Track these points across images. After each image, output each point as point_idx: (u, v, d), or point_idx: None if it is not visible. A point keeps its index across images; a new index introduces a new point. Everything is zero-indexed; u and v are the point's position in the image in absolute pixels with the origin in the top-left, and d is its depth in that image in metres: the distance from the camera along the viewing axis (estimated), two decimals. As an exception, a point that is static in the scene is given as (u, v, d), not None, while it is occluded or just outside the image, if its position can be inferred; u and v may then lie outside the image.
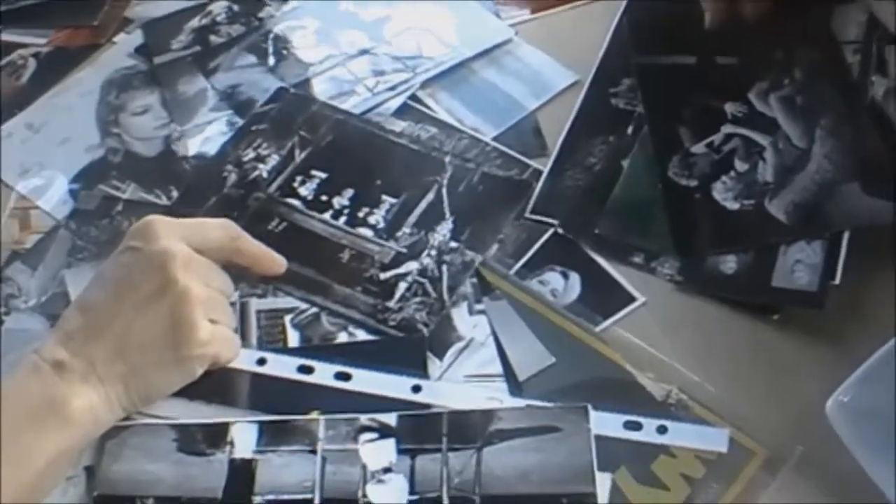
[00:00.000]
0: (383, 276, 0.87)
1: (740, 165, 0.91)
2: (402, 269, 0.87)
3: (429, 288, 0.86)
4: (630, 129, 0.95)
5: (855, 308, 0.83)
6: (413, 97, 0.99)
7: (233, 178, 0.94)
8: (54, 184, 0.96)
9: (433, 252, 0.88)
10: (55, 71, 1.05)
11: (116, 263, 0.81)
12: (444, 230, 0.90)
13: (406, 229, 0.90)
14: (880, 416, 0.73)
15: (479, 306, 0.85)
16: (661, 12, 1.01)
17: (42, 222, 0.94)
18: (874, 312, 0.82)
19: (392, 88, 1.00)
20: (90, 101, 1.02)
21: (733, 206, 0.89)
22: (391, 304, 0.86)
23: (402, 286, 0.87)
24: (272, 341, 0.85)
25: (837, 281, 0.83)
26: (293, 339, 0.85)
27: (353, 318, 0.85)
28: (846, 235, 0.85)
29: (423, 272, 0.87)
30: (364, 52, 1.03)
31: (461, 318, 0.85)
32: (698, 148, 0.92)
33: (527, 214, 0.91)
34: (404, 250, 0.89)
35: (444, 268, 0.87)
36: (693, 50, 0.98)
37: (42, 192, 0.96)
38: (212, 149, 0.97)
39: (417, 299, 0.86)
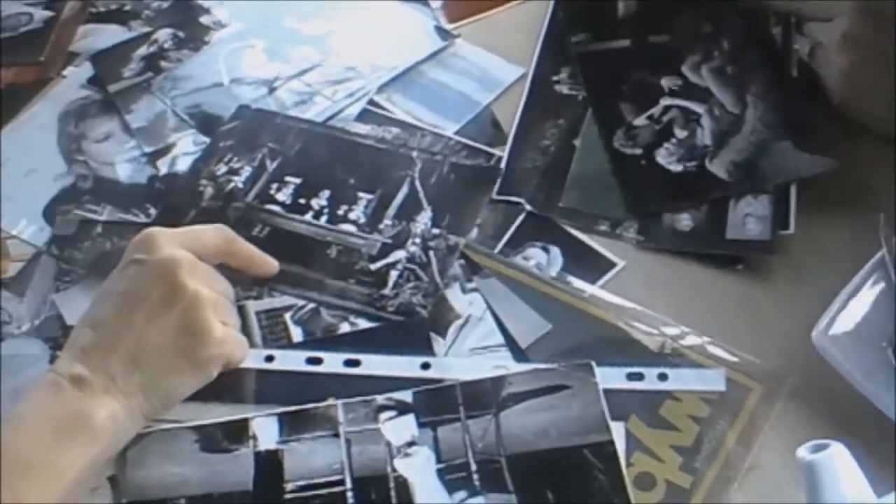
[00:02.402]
0: (373, 266, 0.91)
1: (680, 133, 0.98)
2: (390, 259, 0.91)
3: (420, 273, 0.90)
4: (578, 112, 1.01)
5: (812, 251, 0.90)
6: (371, 102, 1.04)
7: (209, 191, 0.97)
8: (28, 213, 0.97)
9: (417, 240, 0.92)
10: (8, 108, 1.05)
11: (122, 277, 0.83)
12: (424, 219, 0.94)
13: (387, 221, 0.94)
14: (863, 338, 0.80)
15: (470, 285, 0.90)
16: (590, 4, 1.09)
17: (21, 250, 0.95)
18: (828, 255, 0.90)
19: (350, 95, 1.04)
20: (49, 133, 1.03)
21: (677, 168, 0.96)
22: (386, 291, 0.89)
23: (394, 274, 0.90)
24: (276, 339, 0.88)
25: (792, 230, 0.91)
26: (296, 334, 0.88)
27: (352, 309, 0.89)
28: (794, 189, 0.93)
29: (411, 259, 0.91)
30: (316, 64, 1.07)
31: (455, 297, 0.89)
32: (640, 121, 1.00)
33: (494, 196, 0.95)
34: (389, 241, 0.93)
35: (431, 253, 0.91)
36: (627, 33, 1.06)
37: (16, 222, 0.96)
38: (182, 167, 1.00)
39: (411, 284, 0.90)
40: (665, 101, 1.01)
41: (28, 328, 0.90)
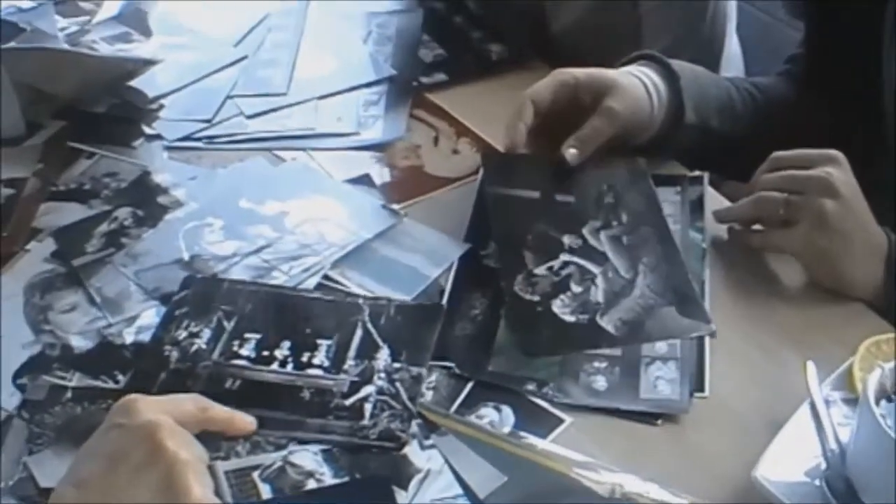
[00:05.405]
0: (347, 402, 0.98)
1: (576, 287, 1.09)
2: (362, 394, 0.99)
3: (392, 402, 0.98)
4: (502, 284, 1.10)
5: (726, 410, 1.00)
6: (325, 277, 1.11)
7: (175, 355, 1.02)
8: (-1, 378, 1.01)
9: (382, 374, 1.00)
10: (-26, 280, 1.10)
11: (104, 440, 0.87)
12: (383, 356, 1.02)
13: (350, 362, 1.02)
14: (798, 476, 0.90)
15: (428, 442, 0.96)
16: (511, 156, 1.19)
17: (-7, 415, 0.98)
18: (745, 412, 0.99)
19: (305, 270, 1.11)
20: (16, 303, 1.08)
21: (570, 318, 1.06)
22: (365, 422, 0.96)
23: (368, 406, 0.98)
24: (246, 497, 0.92)
25: (707, 393, 1.01)
26: (265, 491, 0.92)
27: (336, 442, 0.95)
28: (707, 358, 1.04)
29: (381, 391, 0.99)
30: (272, 241, 1.15)
31: (415, 453, 0.95)
32: (540, 270, 1.10)
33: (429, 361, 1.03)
34: (357, 378, 1.00)
35: (398, 384, 0.99)
36: (537, 186, 1.17)
37: (-15, 387, 1.00)
38: (146, 336, 1.05)
39: (387, 413, 0.97)
40: (564, 257, 1.11)
41: (3, 487, 0.92)
